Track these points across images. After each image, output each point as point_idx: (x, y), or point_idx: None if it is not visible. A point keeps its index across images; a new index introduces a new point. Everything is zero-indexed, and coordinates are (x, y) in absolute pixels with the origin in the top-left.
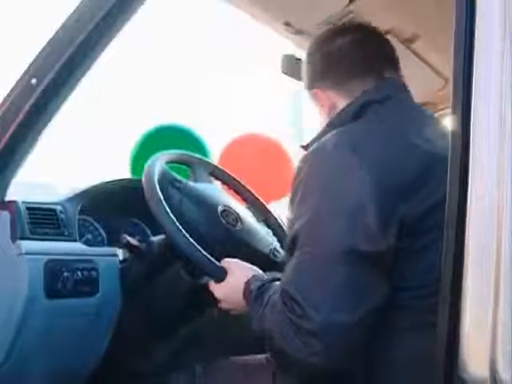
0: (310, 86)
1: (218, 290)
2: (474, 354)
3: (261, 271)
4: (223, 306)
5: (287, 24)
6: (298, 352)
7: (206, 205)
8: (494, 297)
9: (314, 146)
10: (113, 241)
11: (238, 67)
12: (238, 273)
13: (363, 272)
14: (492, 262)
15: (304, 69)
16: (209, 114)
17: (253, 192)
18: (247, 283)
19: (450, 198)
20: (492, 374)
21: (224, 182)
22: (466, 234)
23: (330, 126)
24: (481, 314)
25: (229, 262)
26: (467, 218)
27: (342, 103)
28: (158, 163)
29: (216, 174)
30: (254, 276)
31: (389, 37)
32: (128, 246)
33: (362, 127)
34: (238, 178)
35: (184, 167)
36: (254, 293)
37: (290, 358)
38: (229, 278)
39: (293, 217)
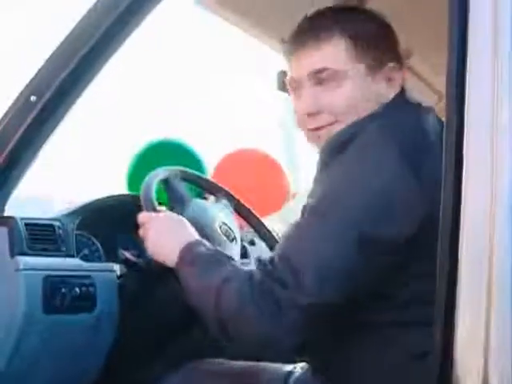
0: (385, 58)
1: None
2: (466, 368)
3: None
4: (149, 246)
5: (284, 41)
6: (264, 324)
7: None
8: (486, 310)
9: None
10: (110, 256)
11: (231, 79)
12: (187, 226)
13: (364, 256)
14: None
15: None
16: (204, 127)
17: (226, 189)
18: (192, 243)
19: (444, 208)
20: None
21: (196, 184)
22: (460, 243)
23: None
24: (474, 327)
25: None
26: (461, 229)
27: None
28: (154, 181)
29: (186, 178)
30: (200, 240)
31: None
32: (126, 262)
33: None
34: (209, 178)
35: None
36: (205, 256)
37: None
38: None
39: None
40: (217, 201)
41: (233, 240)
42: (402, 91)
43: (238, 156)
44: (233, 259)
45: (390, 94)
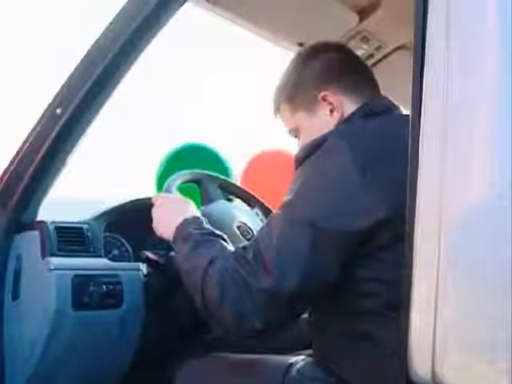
0: (314, 89)
1: (161, 209)
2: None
3: None
4: (154, 222)
5: (301, 45)
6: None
7: (222, 222)
8: (435, 304)
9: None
10: (139, 256)
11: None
12: (191, 207)
13: (324, 247)
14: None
15: (297, 75)
16: (228, 131)
17: (262, 200)
18: (188, 219)
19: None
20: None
21: (232, 194)
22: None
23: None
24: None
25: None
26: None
27: (348, 109)
28: (173, 184)
29: (224, 187)
30: (197, 218)
31: (402, 51)
32: (148, 262)
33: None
34: (246, 189)
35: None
36: (197, 234)
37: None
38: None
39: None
40: (251, 209)
41: (250, 239)
42: (364, 106)
43: (265, 158)
44: (223, 238)
45: (338, 115)
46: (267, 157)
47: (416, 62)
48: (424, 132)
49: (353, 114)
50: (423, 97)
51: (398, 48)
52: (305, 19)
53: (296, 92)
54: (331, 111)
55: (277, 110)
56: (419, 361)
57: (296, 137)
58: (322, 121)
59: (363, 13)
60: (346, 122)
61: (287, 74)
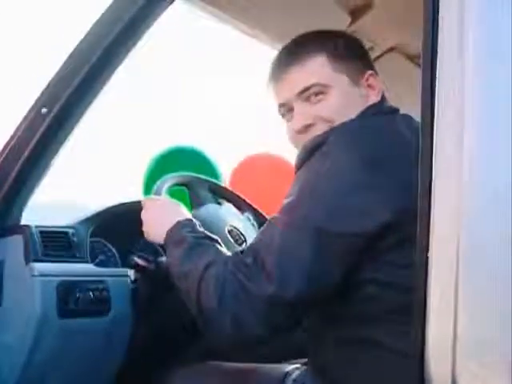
0: (361, 64)
1: (150, 210)
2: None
3: None
4: (143, 225)
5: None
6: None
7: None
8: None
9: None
10: (126, 261)
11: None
12: (182, 210)
13: (326, 250)
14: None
15: (345, 39)
16: (215, 133)
17: (253, 205)
18: (181, 222)
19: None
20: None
21: (223, 197)
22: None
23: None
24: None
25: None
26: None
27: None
28: (162, 187)
29: (214, 190)
30: (190, 221)
31: (393, 53)
32: (136, 267)
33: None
34: (236, 192)
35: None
36: (191, 238)
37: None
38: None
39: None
40: (242, 213)
41: (241, 244)
42: (379, 101)
43: (253, 161)
44: (218, 242)
45: (372, 98)
46: (255, 160)
47: (426, 62)
48: (438, 134)
49: (368, 108)
50: (435, 99)
51: (389, 50)
52: (295, 19)
53: (346, 53)
54: (366, 95)
55: (309, 56)
56: (438, 366)
57: (311, 95)
58: (359, 97)
59: (355, 13)
60: (359, 116)
61: (336, 34)
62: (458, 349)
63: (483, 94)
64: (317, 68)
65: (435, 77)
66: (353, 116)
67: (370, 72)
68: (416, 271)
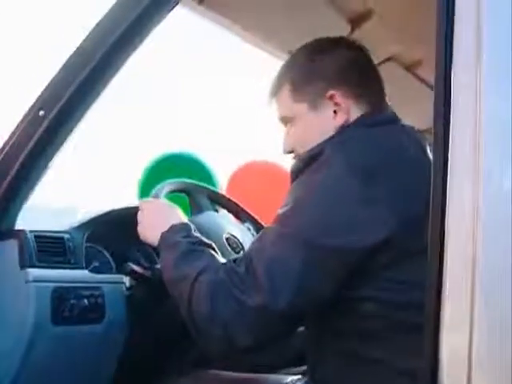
0: (325, 84)
1: (147, 212)
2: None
3: None
4: (139, 227)
5: (291, 53)
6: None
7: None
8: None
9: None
10: (121, 268)
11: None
12: (179, 214)
13: (318, 264)
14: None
15: (310, 61)
16: (213, 138)
17: (253, 214)
18: (175, 226)
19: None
20: None
21: (222, 205)
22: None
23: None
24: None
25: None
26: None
27: (354, 115)
28: (161, 192)
29: (212, 197)
30: (186, 225)
31: (390, 63)
32: (132, 274)
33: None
34: (236, 201)
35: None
36: (185, 244)
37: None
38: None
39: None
40: (242, 223)
41: (239, 252)
42: (376, 112)
43: (250, 168)
44: (212, 248)
45: (341, 118)
46: (252, 167)
47: (439, 70)
48: (453, 148)
49: (357, 120)
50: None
51: (387, 59)
52: (296, 27)
53: (304, 80)
54: (335, 112)
55: (277, 89)
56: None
57: (287, 125)
58: (323, 120)
59: (355, 22)
60: (348, 128)
61: (299, 57)
62: (473, 365)
63: (497, 100)
64: (282, 101)
65: (449, 85)
66: (319, 141)
67: (331, 92)
68: (429, 287)
